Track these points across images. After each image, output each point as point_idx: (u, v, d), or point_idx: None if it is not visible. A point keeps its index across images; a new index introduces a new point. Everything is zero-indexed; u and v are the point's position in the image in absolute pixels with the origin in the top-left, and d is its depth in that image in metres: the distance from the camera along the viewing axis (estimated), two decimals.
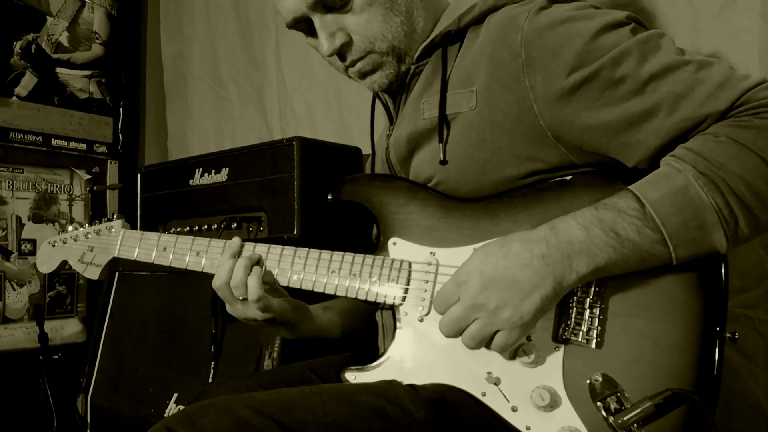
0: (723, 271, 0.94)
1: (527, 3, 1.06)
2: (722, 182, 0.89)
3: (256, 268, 1.15)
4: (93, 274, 1.37)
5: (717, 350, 0.91)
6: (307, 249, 1.16)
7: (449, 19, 1.15)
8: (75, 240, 1.40)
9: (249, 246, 1.19)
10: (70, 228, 1.42)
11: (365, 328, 1.42)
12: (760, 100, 0.91)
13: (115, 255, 1.35)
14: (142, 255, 1.30)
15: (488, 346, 0.96)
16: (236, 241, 1.19)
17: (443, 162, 1.10)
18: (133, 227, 1.41)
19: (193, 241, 1.25)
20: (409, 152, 1.20)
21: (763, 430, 1.40)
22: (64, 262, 1.42)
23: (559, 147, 1.03)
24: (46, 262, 1.44)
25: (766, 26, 1.39)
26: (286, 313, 1.21)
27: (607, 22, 1.00)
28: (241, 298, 1.15)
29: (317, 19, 1.16)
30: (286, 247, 1.17)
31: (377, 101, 1.38)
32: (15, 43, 2.72)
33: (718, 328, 0.92)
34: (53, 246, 1.44)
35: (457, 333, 0.97)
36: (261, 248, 1.19)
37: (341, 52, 1.18)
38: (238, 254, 1.17)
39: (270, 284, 1.17)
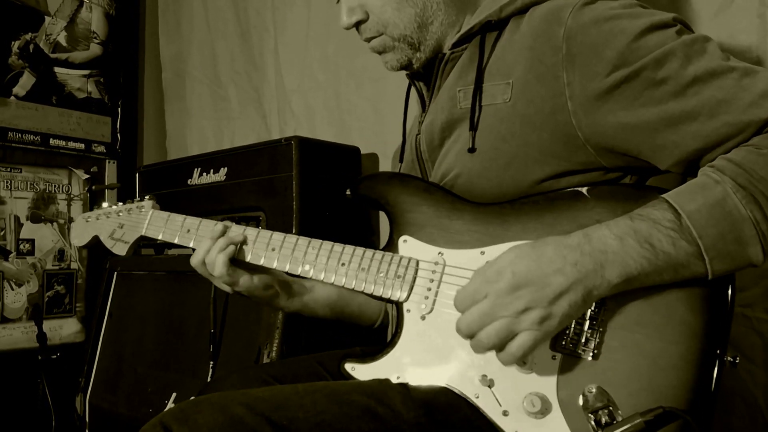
0: (729, 293, 0.93)
1: None
2: (762, 195, 0.87)
3: (229, 248, 1.21)
4: (121, 250, 1.41)
5: (715, 374, 0.90)
6: (320, 240, 1.18)
7: (490, 9, 1.15)
8: (107, 217, 1.44)
9: (237, 229, 1.25)
10: (105, 205, 1.47)
11: (361, 313, 1.44)
12: None
13: (143, 233, 1.38)
14: (167, 235, 1.34)
15: (502, 348, 0.93)
16: (220, 225, 1.25)
17: (472, 150, 1.11)
18: None
19: (215, 225, 1.28)
20: (440, 140, 1.21)
21: (761, 427, 1.41)
22: (95, 237, 1.46)
23: (587, 148, 1.03)
24: (79, 235, 1.48)
25: (764, 27, 1.40)
26: (255, 290, 1.27)
27: (652, 23, 0.98)
28: (212, 274, 1.23)
29: None
30: (301, 236, 1.20)
31: (412, 88, 1.38)
32: (13, 42, 2.72)
33: (718, 351, 0.91)
34: (87, 221, 1.47)
35: (478, 329, 0.92)
36: (278, 236, 1.22)
37: (357, 27, 1.24)
38: (219, 236, 1.23)
39: (243, 262, 1.23)
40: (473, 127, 1.11)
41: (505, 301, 0.91)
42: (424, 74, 1.28)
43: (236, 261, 1.22)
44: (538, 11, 1.08)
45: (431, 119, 1.23)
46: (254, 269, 1.25)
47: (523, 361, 0.96)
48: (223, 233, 1.24)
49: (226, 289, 1.26)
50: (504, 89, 1.09)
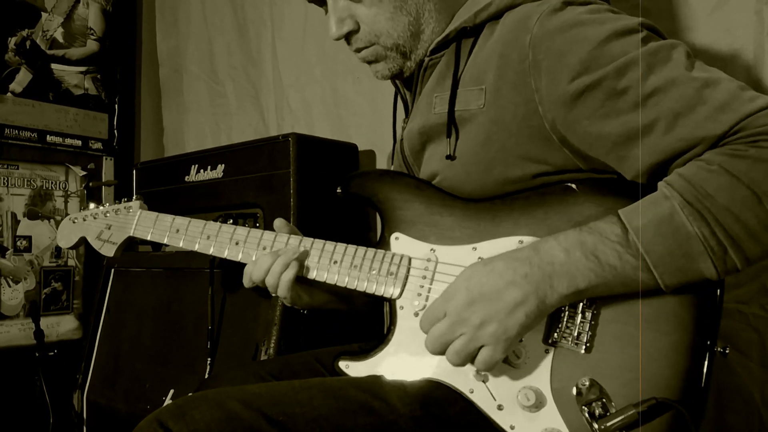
0: (719, 286, 0.93)
1: (543, 3, 1.05)
2: (708, 213, 0.87)
3: (293, 264, 1.15)
4: (109, 251, 1.40)
5: (706, 364, 0.91)
6: (312, 239, 1.19)
7: (466, 15, 1.15)
8: (94, 218, 1.44)
9: (279, 244, 1.20)
10: (91, 206, 1.46)
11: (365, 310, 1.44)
12: (760, 127, 0.88)
13: (131, 234, 1.38)
14: (156, 236, 1.33)
15: (473, 362, 0.97)
16: (291, 246, 1.19)
17: (450, 157, 1.11)
18: None
19: (204, 225, 1.28)
20: (421, 145, 1.21)
21: (756, 424, 1.41)
22: (83, 239, 1.45)
23: (563, 150, 1.03)
24: (66, 237, 1.48)
25: (761, 23, 1.40)
26: (312, 306, 1.26)
27: (616, 29, 0.98)
28: (273, 293, 1.19)
29: (330, 2, 1.21)
30: (292, 236, 1.20)
31: (398, 93, 1.39)
32: (10, 39, 2.71)
33: (708, 342, 0.92)
34: (73, 222, 1.47)
35: (442, 348, 0.97)
36: (268, 235, 1.22)
37: (347, 38, 1.22)
38: (275, 258, 1.17)
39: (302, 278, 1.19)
40: (450, 135, 1.12)
41: (462, 317, 0.94)
42: (408, 80, 1.28)
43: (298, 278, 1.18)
44: (510, 17, 1.08)
45: (411, 125, 1.24)
46: (311, 283, 1.21)
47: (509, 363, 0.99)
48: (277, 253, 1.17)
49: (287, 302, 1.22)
50: (478, 95, 1.09)
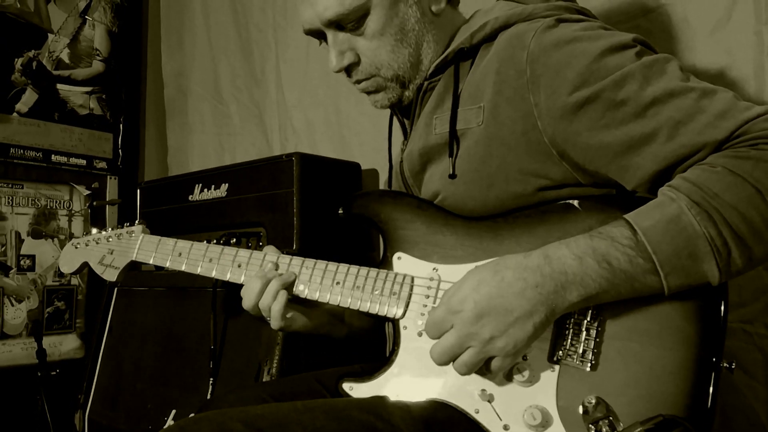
0: (723, 300, 0.93)
1: (536, 21, 1.07)
2: (715, 212, 0.88)
3: (281, 294, 1.16)
4: (111, 276, 1.40)
5: (712, 380, 0.91)
6: (314, 260, 1.18)
7: (463, 37, 1.17)
8: (97, 243, 1.44)
9: (283, 266, 1.20)
10: (94, 231, 1.46)
11: (372, 331, 1.43)
12: (760, 131, 0.90)
13: (133, 258, 1.37)
14: (159, 260, 1.33)
15: (480, 370, 0.97)
16: (269, 265, 1.20)
17: (452, 176, 1.12)
18: None
19: (206, 248, 1.28)
20: (421, 166, 1.22)
21: None
22: (85, 264, 1.45)
23: (563, 164, 1.04)
24: (68, 262, 1.48)
25: (761, 44, 1.41)
26: (312, 329, 1.26)
27: (612, 44, 1.01)
28: (267, 318, 1.20)
29: (330, 35, 1.20)
30: (294, 256, 1.20)
31: (394, 117, 1.40)
32: (16, 59, 2.75)
33: (714, 358, 0.91)
34: (76, 248, 1.47)
35: (449, 361, 0.97)
36: (270, 257, 1.21)
37: (348, 70, 1.23)
38: (269, 278, 1.17)
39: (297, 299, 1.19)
40: (452, 154, 1.13)
41: (470, 331, 0.94)
42: (405, 108, 1.29)
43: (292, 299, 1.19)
44: (505, 36, 1.11)
45: (411, 147, 1.25)
46: (309, 304, 1.22)
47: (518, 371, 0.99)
48: (268, 278, 1.17)
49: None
50: (477, 113, 1.10)
